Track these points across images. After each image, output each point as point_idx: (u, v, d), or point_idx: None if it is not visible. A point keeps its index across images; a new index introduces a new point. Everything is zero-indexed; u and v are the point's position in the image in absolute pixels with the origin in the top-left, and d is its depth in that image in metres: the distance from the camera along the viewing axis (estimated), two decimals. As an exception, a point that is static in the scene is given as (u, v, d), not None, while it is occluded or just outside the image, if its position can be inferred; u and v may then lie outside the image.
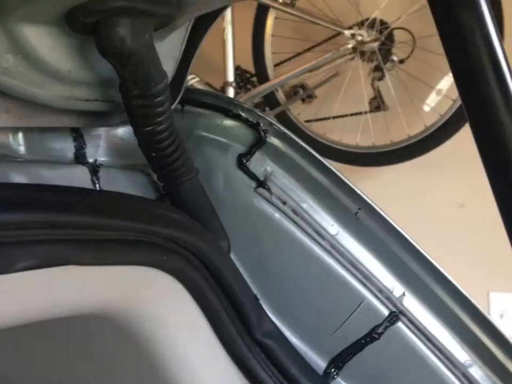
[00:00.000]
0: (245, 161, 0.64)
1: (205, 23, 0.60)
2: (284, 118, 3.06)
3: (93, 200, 0.41)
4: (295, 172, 0.64)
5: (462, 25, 0.45)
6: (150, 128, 0.54)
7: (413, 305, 0.64)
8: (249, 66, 2.80)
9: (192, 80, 2.63)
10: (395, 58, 2.82)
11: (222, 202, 0.64)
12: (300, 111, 3.01)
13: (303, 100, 3.22)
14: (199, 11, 0.53)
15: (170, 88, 0.62)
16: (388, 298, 0.64)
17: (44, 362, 0.59)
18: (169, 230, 0.45)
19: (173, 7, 0.48)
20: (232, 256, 0.65)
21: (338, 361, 0.66)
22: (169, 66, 0.60)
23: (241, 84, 3.11)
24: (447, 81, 2.71)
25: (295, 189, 0.64)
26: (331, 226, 0.64)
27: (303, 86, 3.15)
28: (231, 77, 2.76)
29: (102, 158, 0.61)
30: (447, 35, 0.46)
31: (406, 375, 0.65)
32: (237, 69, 2.91)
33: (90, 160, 0.60)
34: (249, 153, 0.64)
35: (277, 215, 0.64)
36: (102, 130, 0.62)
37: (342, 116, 2.93)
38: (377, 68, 2.84)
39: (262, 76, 2.93)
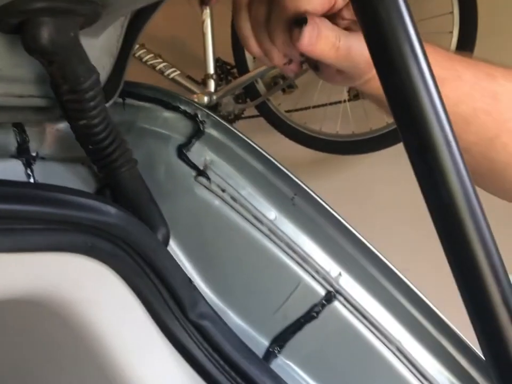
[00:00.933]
0: (185, 152, 0.66)
1: (141, 19, 0.63)
2: (264, 109, 3.08)
3: (17, 190, 0.43)
4: (233, 160, 0.67)
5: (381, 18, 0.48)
6: (84, 121, 0.56)
7: (349, 284, 0.67)
8: (229, 58, 2.82)
9: (173, 74, 2.64)
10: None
11: (164, 191, 0.67)
12: (280, 102, 3.03)
13: (283, 90, 3.23)
14: (126, 8, 0.56)
15: (110, 83, 0.65)
16: (324, 278, 0.67)
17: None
18: (95, 218, 0.48)
19: (96, 5, 0.51)
20: (175, 242, 0.68)
21: (280, 340, 0.69)
22: (106, 62, 0.63)
23: (222, 76, 3.12)
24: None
25: (234, 177, 0.67)
26: (269, 211, 0.67)
27: (283, 77, 3.16)
28: (211, 69, 2.77)
29: (45, 152, 0.64)
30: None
31: (344, 351, 0.68)
32: (217, 61, 2.92)
33: (34, 154, 0.63)
34: (188, 143, 0.66)
35: (217, 202, 0.67)
36: (45, 125, 0.64)
37: (322, 105, 2.96)
38: (355, 56, 2.86)
39: (242, 68, 2.95)
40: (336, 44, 0.51)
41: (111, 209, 0.49)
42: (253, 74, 2.79)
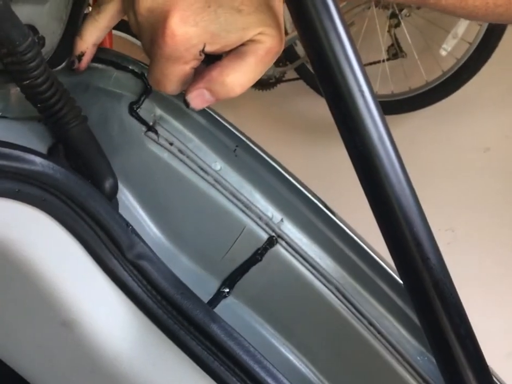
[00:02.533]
0: (135, 108, 0.72)
1: (88, -15, 0.68)
2: (304, 71, 3.09)
3: None
4: (180, 115, 0.72)
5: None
6: (28, 81, 0.63)
7: (290, 230, 0.72)
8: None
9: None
10: (410, 3, 2.78)
11: (117, 146, 0.73)
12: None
13: (322, 52, 3.19)
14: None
15: (62, 47, 0.71)
16: (267, 224, 0.72)
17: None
18: (19, 166, 0.54)
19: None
20: (129, 193, 0.74)
21: (229, 282, 0.75)
22: (56, 27, 0.68)
23: (261, 39, 3.12)
24: (462, 24, 2.68)
25: (181, 131, 0.72)
26: (214, 162, 0.72)
27: (322, 38, 3.13)
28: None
29: (9, 112, 0.71)
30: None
31: (287, 290, 0.73)
32: (257, 24, 2.93)
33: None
34: (139, 101, 0.72)
35: (166, 154, 0.72)
36: (9, 86, 0.71)
37: (359, 66, 2.93)
38: (393, 15, 2.83)
39: (281, 30, 2.94)
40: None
41: (35, 158, 0.55)
42: (292, 36, 2.80)
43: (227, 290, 0.75)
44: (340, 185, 2.37)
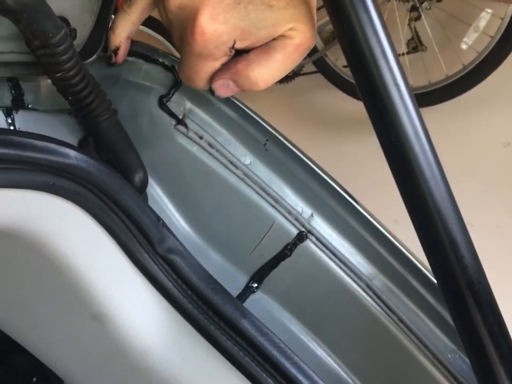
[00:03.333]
0: (165, 102, 0.72)
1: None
2: (322, 65, 3.08)
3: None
4: (209, 109, 0.71)
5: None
6: (60, 74, 0.62)
7: (320, 225, 0.71)
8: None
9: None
10: (433, -7, 2.76)
11: (147, 139, 0.72)
12: (338, 57, 3.01)
13: (342, 45, 3.17)
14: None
15: (92, 39, 0.71)
16: (296, 219, 0.71)
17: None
18: (54, 159, 0.54)
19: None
20: (159, 186, 0.74)
21: (257, 277, 0.74)
22: (87, 19, 0.68)
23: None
24: (484, 18, 2.65)
25: (211, 125, 0.72)
26: (244, 157, 0.72)
27: (342, 31, 3.10)
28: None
29: (39, 104, 0.71)
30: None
31: (316, 286, 0.72)
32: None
33: (30, 106, 0.70)
34: (168, 94, 0.71)
35: (195, 148, 0.72)
36: (39, 79, 0.71)
37: (379, 59, 2.91)
38: (414, 8, 2.81)
39: (299, 23, 2.92)
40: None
41: (70, 151, 0.55)
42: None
43: (256, 285, 0.74)
44: (358, 179, 2.36)
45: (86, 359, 0.69)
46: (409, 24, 2.86)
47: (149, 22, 2.57)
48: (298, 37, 0.54)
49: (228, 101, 0.70)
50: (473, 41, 2.75)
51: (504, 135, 2.84)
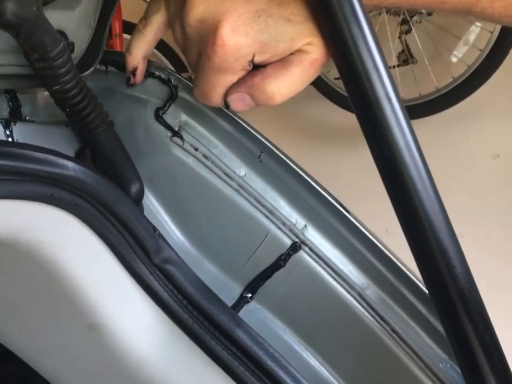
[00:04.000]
0: (161, 114, 0.73)
1: (116, -8, 0.69)
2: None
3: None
4: (205, 121, 0.72)
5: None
6: (58, 86, 0.63)
7: (313, 236, 0.72)
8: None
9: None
10: (423, 10, 2.80)
11: (143, 151, 0.73)
12: (329, 69, 3.03)
13: (333, 57, 3.19)
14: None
15: (90, 52, 0.72)
16: (290, 230, 0.72)
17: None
18: (52, 170, 0.55)
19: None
20: (154, 198, 0.75)
21: (252, 287, 0.75)
22: (84, 33, 0.69)
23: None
24: (474, 31, 2.68)
25: (206, 137, 0.73)
26: (239, 168, 0.73)
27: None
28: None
29: (36, 116, 0.71)
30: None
31: (309, 296, 0.73)
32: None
33: (27, 118, 0.71)
34: (164, 106, 0.72)
35: (190, 160, 0.73)
36: (36, 91, 0.72)
37: (370, 71, 2.93)
38: (404, 21, 2.84)
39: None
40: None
41: (68, 163, 0.56)
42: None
43: (250, 295, 0.75)
44: (350, 190, 2.37)
45: (81, 368, 0.70)
46: (399, 37, 2.89)
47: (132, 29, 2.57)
48: (315, 51, 0.55)
49: (223, 114, 0.71)
50: (463, 54, 2.78)
51: (493, 147, 2.86)
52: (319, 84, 3.07)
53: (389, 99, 0.57)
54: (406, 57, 2.90)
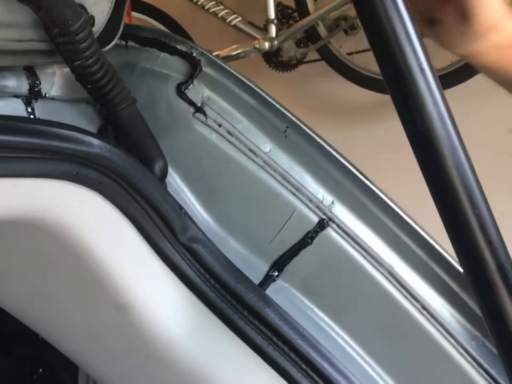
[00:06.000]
0: (183, 89, 0.71)
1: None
2: (326, 52, 3.05)
3: (7, 124, 0.49)
4: (229, 96, 0.71)
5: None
6: (79, 62, 0.62)
7: (341, 212, 0.71)
8: (290, 2, 2.79)
9: (235, 20, 2.65)
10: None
11: (165, 127, 0.71)
12: (342, 44, 2.98)
13: (345, 32, 3.17)
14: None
15: (110, 26, 0.70)
16: (317, 207, 0.71)
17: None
18: (77, 148, 0.53)
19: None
20: (178, 175, 0.73)
21: (278, 265, 0.74)
22: (104, 7, 0.67)
23: (283, 20, 3.10)
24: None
25: (230, 112, 0.71)
26: (264, 144, 0.71)
27: (345, 18, 3.10)
28: (272, 14, 2.76)
29: (56, 93, 0.70)
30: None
31: (338, 274, 0.72)
32: (278, 5, 2.90)
33: (47, 95, 0.69)
34: (186, 81, 0.71)
35: (214, 136, 0.71)
36: (56, 68, 0.70)
37: (384, 46, 2.89)
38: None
39: (303, 11, 2.91)
40: None
41: (93, 140, 0.54)
42: (314, 17, 2.75)
43: (276, 273, 0.74)
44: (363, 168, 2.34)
45: (108, 349, 0.69)
46: (414, 11, 2.84)
47: (143, 7, 2.54)
48: None
49: (247, 88, 0.69)
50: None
51: (509, 121, 2.82)
52: (331, 60, 3.03)
53: (422, 70, 0.56)
54: (420, 32, 2.85)
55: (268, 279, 0.73)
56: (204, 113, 0.70)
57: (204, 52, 0.69)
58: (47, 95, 0.69)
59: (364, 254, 0.70)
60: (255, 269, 0.73)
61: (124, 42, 0.71)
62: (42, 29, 0.61)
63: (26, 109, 0.61)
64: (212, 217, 0.73)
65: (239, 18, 2.72)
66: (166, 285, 0.64)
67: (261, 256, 0.74)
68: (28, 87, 0.68)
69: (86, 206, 0.56)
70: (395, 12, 0.53)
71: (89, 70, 0.63)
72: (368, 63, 2.96)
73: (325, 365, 0.63)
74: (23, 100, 0.61)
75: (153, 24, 2.72)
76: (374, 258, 0.70)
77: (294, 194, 0.70)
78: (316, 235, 0.71)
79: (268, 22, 2.88)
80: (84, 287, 0.63)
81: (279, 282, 0.74)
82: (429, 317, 0.70)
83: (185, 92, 0.70)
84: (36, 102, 0.63)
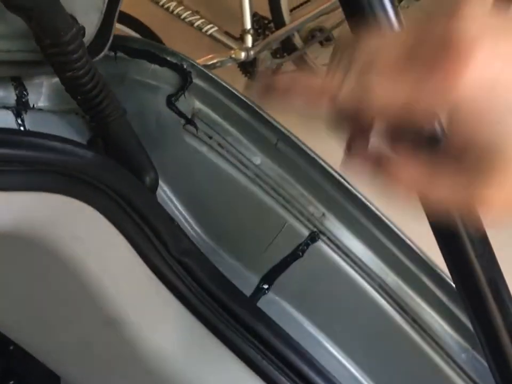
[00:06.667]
0: (173, 101, 0.70)
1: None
2: (302, 63, 3.07)
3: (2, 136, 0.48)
4: (219, 108, 0.70)
5: None
6: (70, 73, 0.61)
7: (332, 225, 0.71)
8: (267, 12, 2.80)
9: (211, 30, 2.64)
10: (412, -4, 2.76)
11: (155, 140, 0.71)
12: (317, 55, 3.00)
13: (321, 43, 3.19)
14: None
15: (99, 37, 0.69)
16: (308, 219, 0.70)
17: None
18: (70, 160, 0.52)
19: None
20: (168, 188, 0.72)
21: (268, 278, 0.73)
22: (94, 18, 0.66)
23: (259, 31, 3.10)
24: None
25: (220, 124, 0.70)
26: (255, 156, 0.70)
27: (320, 29, 3.12)
28: (248, 24, 2.75)
29: (44, 104, 0.69)
30: None
31: (328, 287, 0.71)
32: (255, 15, 2.90)
33: (32, 106, 0.68)
34: (177, 93, 0.70)
35: (204, 148, 0.70)
36: (43, 78, 0.69)
37: (360, 58, 2.91)
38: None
39: (279, 21, 2.92)
40: None
41: (85, 152, 0.53)
42: (290, 28, 2.76)
43: (266, 286, 0.73)
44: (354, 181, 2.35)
45: (95, 364, 0.68)
46: (388, 22, 2.86)
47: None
48: None
49: (237, 100, 0.68)
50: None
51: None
52: (306, 70, 3.05)
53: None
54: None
55: (258, 292, 0.73)
56: (195, 125, 0.70)
57: (194, 63, 0.69)
58: (34, 106, 0.68)
59: (354, 266, 0.70)
60: (246, 282, 0.73)
61: (112, 53, 0.70)
62: (32, 39, 0.60)
63: (16, 120, 0.60)
64: (202, 230, 0.73)
65: (215, 28, 2.72)
66: (158, 300, 0.63)
67: (252, 269, 0.74)
68: (15, 97, 0.66)
69: (78, 219, 0.55)
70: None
71: (79, 81, 0.62)
72: (344, 75, 2.97)
73: (318, 380, 0.62)
74: (12, 111, 0.60)
75: (128, 32, 2.70)
76: (364, 270, 0.70)
77: (284, 207, 0.70)
78: (307, 248, 0.71)
79: (244, 32, 2.88)
80: (74, 301, 0.62)
81: (270, 295, 0.74)
82: (419, 329, 0.70)
83: (176, 103, 0.70)
84: (25, 113, 0.61)
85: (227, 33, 2.74)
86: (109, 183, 0.56)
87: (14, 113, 0.60)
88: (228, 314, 0.63)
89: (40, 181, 0.50)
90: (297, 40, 3.01)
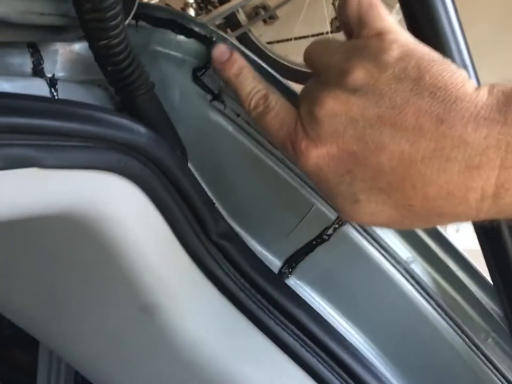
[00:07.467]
0: (199, 75, 0.66)
1: None
2: (245, 40, 3.04)
3: (54, 107, 0.43)
4: (248, 84, 0.66)
5: None
6: (105, 41, 0.56)
7: (360, 208, 0.69)
8: (209, -14, 2.74)
9: (152, 1, 2.57)
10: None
11: (178, 116, 0.66)
12: (261, 33, 2.98)
13: (264, 21, 3.17)
14: None
15: (123, 3, 0.64)
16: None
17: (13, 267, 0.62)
18: (128, 136, 0.48)
19: None
20: (190, 167, 0.68)
21: (291, 261, 0.71)
22: (121, -19, 0.61)
23: (201, 5, 3.04)
24: None
25: (249, 102, 0.67)
26: (283, 137, 0.67)
27: (264, 7, 3.10)
28: (191, -3, 2.71)
29: (59, 73, 0.63)
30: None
31: (354, 272, 0.70)
32: (198, -12, 2.85)
33: (49, 75, 0.62)
34: (204, 67, 0.66)
35: (231, 127, 0.67)
36: (59, 46, 0.63)
37: (304, 37, 2.92)
38: (337, -13, 2.82)
39: (223, -4, 2.88)
40: None
41: (142, 129, 0.49)
42: (234, 4, 2.73)
43: (289, 270, 0.71)
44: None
45: (124, 353, 0.64)
46: (333, 3, 2.88)
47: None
48: None
49: (269, 76, 0.65)
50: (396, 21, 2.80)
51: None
52: (251, 48, 3.02)
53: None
54: (339, 24, 2.90)
55: (281, 276, 0.71)
56: (222, 102, 0.66)
57: (224, 36, 0.65)
58: (49, 76, 0.63)
59: (381, 250, 0.69)
60: (269, 265, 0.70)
61: (134, 22, 0.66)
62: (67, 2, 0.55)
63: (51, 90, 0.55)
64: (225, 211, 0.70)
65: (156, 0, 2.66)
66: (193, 282, 0.60)
67: (275, 252, 0.71)
68: (32, 65, 0.61)
69: (127, 200, 0.52)
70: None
71: (113, 50, 0.57)
72: (288, 53, 2.97)
73: (357, 368, 0.61)
74: (46, 80, 0.55)
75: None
76: (390, 255, 0.69)
77: (312, 189, 0.68)
78: (334, 231, 0.69)
79: (185, 5, 2.83)
80: (110, 288, 0.58)
81: (292, 279, 0.71)
82: (444, 315, 0.70)
83: (202, 78, 0.66)
84: (56, 83, 0.56)
85: (168, 6, 2.66)
86: (160, 163, 0.52)
87: (47, 83, 0.55)
88: (267, 301, 0.60)
89: (99, 158, 0.46)
90: (241, 17, 2.97)
